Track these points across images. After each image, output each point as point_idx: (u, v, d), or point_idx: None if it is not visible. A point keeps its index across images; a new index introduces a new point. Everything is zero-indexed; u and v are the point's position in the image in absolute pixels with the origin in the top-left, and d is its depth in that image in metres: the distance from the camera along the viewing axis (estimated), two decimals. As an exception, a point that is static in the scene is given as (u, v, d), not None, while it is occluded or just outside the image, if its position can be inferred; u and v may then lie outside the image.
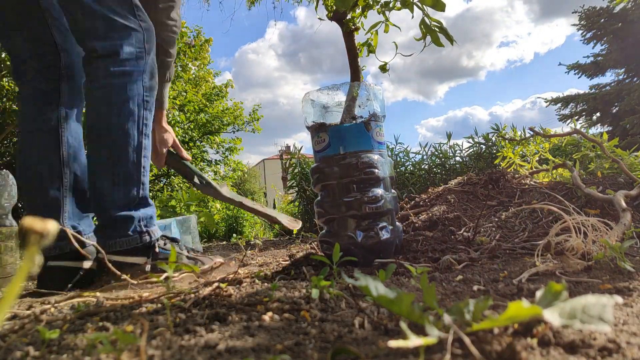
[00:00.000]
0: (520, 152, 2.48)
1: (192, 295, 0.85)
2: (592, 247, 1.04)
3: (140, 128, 1.30)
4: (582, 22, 13.94)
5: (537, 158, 2.41)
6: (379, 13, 1.37)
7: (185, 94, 8.43)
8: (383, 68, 1.57)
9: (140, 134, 1.30)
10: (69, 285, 1.26)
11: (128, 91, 1.27)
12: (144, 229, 1.29)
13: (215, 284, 0.91)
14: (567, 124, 14.71)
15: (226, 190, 1.69)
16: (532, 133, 2.45)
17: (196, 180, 1.64)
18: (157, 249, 1.31)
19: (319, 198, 1.25)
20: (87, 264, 1.32)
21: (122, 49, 1.25)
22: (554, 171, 2.17)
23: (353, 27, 1.56)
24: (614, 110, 13.49)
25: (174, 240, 1.41)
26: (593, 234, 1.07)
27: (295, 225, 1.71)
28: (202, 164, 8.63)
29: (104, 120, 1.26)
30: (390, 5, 1.34)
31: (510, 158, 2.43)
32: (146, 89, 1.31)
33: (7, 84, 7.71)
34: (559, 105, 14.45)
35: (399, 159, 4.38)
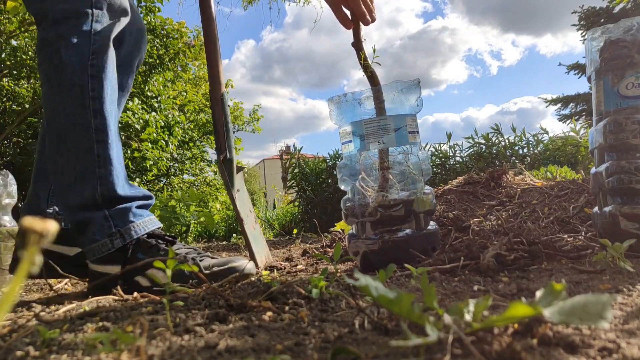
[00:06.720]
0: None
1: (192, 295, 0.85)
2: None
3: (86, 103, 1.05)
4: (582, 22, 13.89)
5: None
6: None
7: (185, 94, 8.43)
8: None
9: (86, 111, 1.05)
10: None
11: (64, 58, 1.04)
12: (114, 230, 1.06)
13: (215, 284, 0.91)
14: (567, 124, 14.71)
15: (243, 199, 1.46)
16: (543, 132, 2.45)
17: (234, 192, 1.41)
18: (134, 254, 1.06)
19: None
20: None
21: (52, 8, 1.05)
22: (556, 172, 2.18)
23: None
24: (614, 110, 13.46)
25: (171, 239, 1.15)
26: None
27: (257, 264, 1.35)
28: (202, 163, 8.63)
29: (48, 103, 1.07)
30: None
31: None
32: (94, 51, 1.06)
33: (7, 84, 7.71)
34: (559, 105, 14.43)
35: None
